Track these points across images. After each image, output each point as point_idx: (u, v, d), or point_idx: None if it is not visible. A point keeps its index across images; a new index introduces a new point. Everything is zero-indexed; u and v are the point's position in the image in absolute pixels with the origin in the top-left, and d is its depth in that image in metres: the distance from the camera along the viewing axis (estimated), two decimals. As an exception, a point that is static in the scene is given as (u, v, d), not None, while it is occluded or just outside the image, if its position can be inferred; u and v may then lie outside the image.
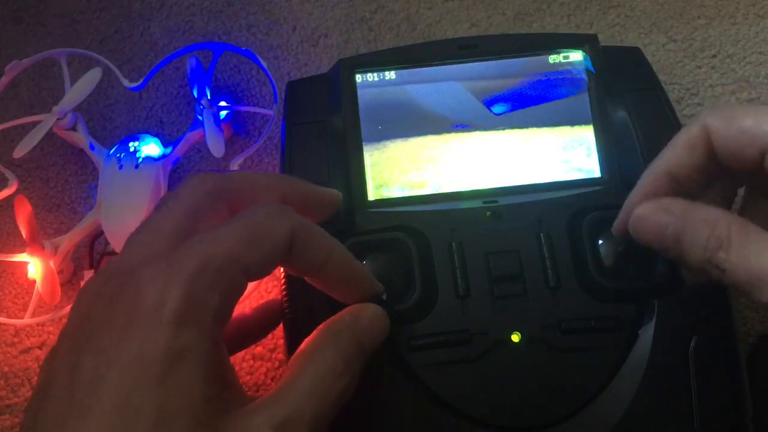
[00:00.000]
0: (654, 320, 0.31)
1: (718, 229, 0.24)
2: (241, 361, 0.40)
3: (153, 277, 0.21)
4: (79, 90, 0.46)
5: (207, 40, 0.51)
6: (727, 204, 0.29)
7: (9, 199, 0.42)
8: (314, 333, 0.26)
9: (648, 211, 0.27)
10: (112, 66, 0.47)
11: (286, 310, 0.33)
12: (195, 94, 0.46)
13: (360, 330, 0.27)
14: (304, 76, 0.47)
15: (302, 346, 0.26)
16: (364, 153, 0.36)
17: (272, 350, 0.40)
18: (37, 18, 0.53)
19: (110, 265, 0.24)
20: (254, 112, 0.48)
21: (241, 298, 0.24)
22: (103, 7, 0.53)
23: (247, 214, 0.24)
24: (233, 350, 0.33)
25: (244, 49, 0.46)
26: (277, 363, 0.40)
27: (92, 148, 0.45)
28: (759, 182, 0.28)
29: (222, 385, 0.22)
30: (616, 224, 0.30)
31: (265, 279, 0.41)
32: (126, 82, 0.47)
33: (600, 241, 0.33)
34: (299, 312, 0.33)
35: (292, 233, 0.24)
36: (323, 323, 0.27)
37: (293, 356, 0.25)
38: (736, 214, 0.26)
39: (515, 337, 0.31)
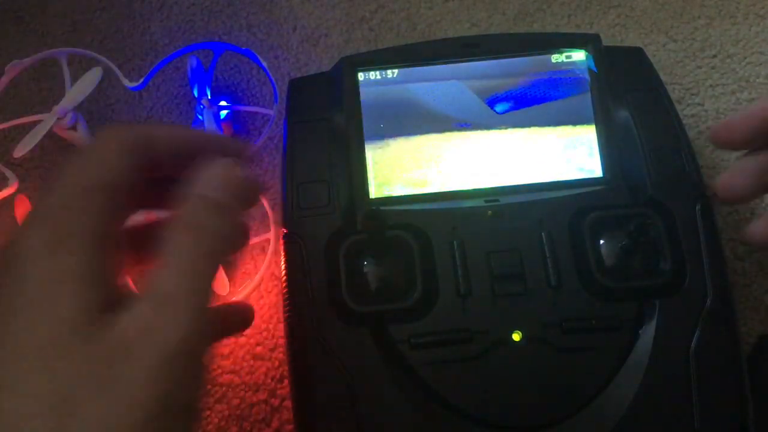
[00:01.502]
0: (655, 320, 0.31)
1: None
2: (241, 360, 0.40)
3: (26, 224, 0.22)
4: (79, 90, 0.46)
5: (207, 40, 0.50)
6: None
7: (9, 199, 0.42)
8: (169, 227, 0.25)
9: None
10: (112, 66, 0.47)
11: (287, 310, 0.33)
12: (195, 93, 0.46)
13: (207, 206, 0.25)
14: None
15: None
16: (366, 151, 0.36)
17: (272, 350, 0.40)
18: (37, 18, 0.53)
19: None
20: (254, 112, 0.48)
21: (236, 295, 0.24)
22: (103, 7, 0.53)
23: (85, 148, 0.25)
24: (217, 336, 0.33)
25: (244, 48, 0.46)
26: (277, 363, 0.40)
27: (92, 147, 0.45)
28: None
29: (107, 293, 0.22)
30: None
31: (265, 279, 0.41)
32: (126, 82, 0.47)
33: (601, 241, 0.33)
34: (299, 311, 0.33)
35: (136, 138, 0.25)
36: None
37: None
38: None
39: (516, 336, 0.31)
